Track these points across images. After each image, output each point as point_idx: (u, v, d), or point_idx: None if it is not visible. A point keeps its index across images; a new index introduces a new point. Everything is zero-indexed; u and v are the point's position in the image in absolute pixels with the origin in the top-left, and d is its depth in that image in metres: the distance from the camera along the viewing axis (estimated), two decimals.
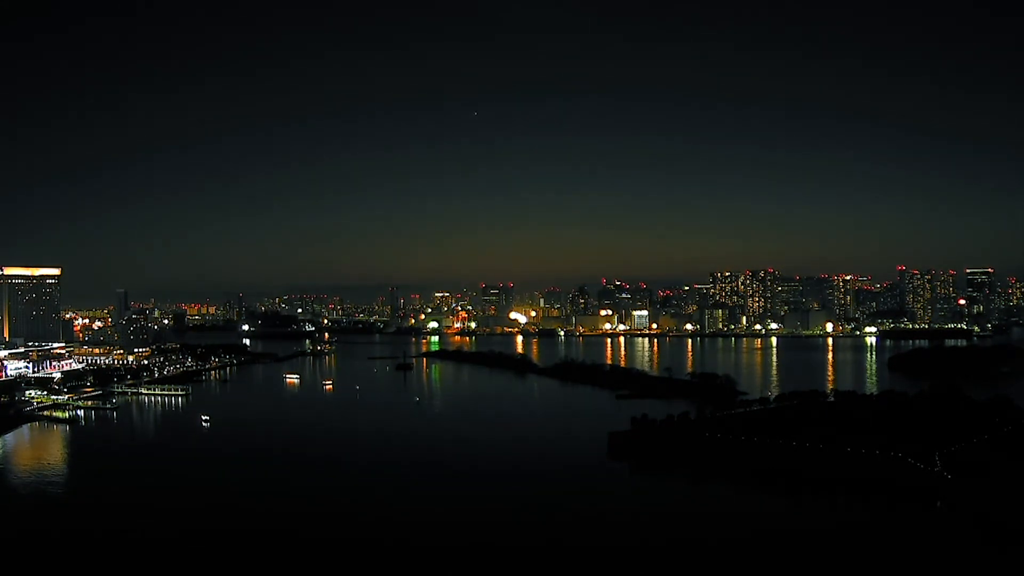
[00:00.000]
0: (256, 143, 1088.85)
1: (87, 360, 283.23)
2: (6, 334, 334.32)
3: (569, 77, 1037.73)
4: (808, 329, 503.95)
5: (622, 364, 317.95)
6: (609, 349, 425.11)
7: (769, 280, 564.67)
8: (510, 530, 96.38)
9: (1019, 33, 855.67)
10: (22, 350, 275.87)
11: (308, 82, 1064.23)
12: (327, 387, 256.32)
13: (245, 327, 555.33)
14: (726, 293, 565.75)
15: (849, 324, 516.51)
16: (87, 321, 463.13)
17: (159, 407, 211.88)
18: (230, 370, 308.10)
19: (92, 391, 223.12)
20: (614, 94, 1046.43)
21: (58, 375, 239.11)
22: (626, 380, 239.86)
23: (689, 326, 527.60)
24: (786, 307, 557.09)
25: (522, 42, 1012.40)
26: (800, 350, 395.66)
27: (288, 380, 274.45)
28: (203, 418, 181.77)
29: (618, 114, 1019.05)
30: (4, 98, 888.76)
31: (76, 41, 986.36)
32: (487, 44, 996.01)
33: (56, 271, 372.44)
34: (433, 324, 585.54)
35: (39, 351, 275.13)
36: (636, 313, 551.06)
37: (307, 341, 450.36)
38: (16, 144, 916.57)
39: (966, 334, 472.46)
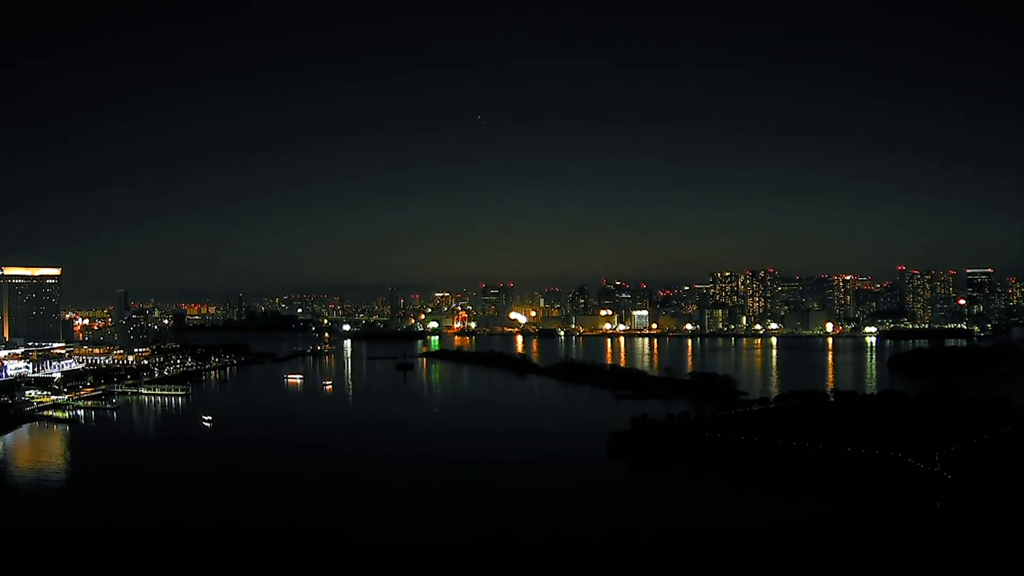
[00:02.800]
0: (257, 151, 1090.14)
1: (87, 360, 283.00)
2: (6, 334, 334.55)
3: (573, 95, 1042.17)
4: (808, 329, 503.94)
5: (622, 364, 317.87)
6: (609, 349, 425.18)
7: (769, 280, 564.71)
8: (509, 524, 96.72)
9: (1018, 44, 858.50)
10: (22, 350, 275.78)
11: (311, 100, 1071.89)
12: (327, 387, 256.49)
13: (346, 327, 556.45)
14: (726, 293, 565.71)
15: (849, 324, 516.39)
16: (87, 321, 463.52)
17: (159, 407, 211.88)
18: (230, 370, 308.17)
19: (92, 391, 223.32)
20: (614, 108, 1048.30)
21: (58, 375, 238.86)
22: (626, 380, 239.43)
23: (689, 326, 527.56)
24: (786, 307, 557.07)
25: (521, 67, 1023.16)
26: (800, 350, 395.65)
27: (290, 380, 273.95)
28: (205, 418, 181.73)
29: (619, 121, 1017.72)
30: (12, 109, 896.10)
31: (87, 58, 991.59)
32: (493, 67, 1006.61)
33: (56, 271, 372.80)
34: (433, 324, 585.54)
35: (39, 351, 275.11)
36: (636, 313, 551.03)
37: (419, 342, 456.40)
38: (18, 149, 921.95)
39: (966, 334, 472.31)
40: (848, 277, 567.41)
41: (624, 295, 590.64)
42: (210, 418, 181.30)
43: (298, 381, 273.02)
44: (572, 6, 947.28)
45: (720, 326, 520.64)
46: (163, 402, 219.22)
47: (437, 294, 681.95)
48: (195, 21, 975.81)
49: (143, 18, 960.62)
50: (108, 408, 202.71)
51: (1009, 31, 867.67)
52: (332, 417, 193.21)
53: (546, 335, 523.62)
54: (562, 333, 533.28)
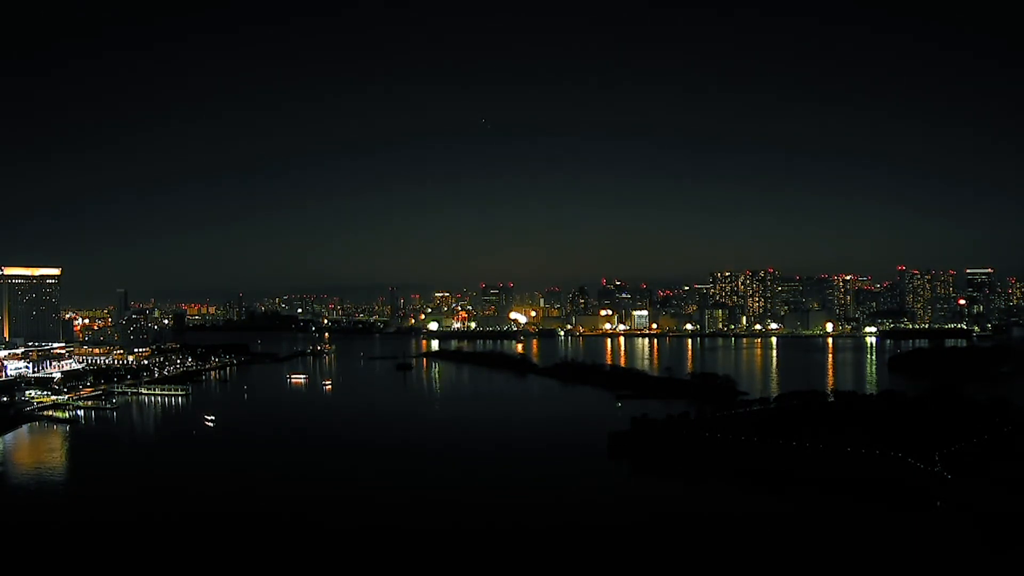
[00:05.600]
0: (259, 157, 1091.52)
1: (87, 360, 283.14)
2: (6, 334, 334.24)
3: (575, 107, 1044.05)
4: (808, 329, 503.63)
5: (622, 364, 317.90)
6: (609, 349, 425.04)
7: (769, 280, 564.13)
8: (508, 524, 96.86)
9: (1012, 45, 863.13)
10: (22, 350, 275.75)
11: (314, 110, 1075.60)
12: (326, 387, 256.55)
13: (432, 326, 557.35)
14: (726, 293, 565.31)
15: (849, 324, 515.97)
16: (87, 321, 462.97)
17: (159, 407, 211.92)
18: (230, 370, 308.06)
19: (92, 391, 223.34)
20: (615, 118, 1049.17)
21: (58, 375, 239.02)
22: (626, 380, 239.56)
23: (689, 326, 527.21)
24: (786, 307, 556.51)
25: (524, 81, 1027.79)
26: (800, 350, 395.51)
27: (293, 380, 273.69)
28: (207, 417, 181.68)
29: (620, 122, 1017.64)
30: (16, 113, 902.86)
31: (101, 68, 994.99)
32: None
33: (56, 271, 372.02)
34: (433, 324, 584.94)
35: (39, 351, 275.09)
36: (636, 313, 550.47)
37: (514, 342, 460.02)
38: (22, 152, 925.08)
39: (966, 334, 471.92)
40: (848, 277, 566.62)
41: (624, 295, 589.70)
42: (212, 417, 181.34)
43: (302, 381, 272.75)
44: (578, 26, 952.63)
45: (720, 326, 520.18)
46: (163, 402, 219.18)
47: (437, 294, 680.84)
48: (200, 32, 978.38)
49: (155, 30, 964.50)
50: (108, 408, 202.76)
51: (1007, 53, 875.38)
52: (333, 415, 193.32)
53: (546, 335, 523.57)
54: (562, 333, 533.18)
